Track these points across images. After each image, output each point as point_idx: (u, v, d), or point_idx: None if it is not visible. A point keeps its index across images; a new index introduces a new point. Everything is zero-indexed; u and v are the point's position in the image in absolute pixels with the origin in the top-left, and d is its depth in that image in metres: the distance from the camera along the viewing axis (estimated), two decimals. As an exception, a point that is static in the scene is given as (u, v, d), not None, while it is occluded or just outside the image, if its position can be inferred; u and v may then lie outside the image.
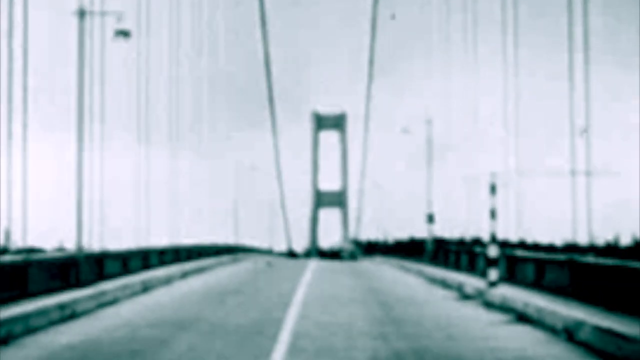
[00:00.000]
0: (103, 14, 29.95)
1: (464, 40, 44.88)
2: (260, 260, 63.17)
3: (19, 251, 29.72)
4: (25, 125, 27.85)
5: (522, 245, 32.40)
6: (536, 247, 30.42)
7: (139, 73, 42.70)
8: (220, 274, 41.77)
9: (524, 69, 35.19)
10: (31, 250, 38.78)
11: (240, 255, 66.83)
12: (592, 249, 26.07)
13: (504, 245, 29.35)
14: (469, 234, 41.58)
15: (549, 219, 33.95)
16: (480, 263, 36.06)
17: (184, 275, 37.94)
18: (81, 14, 28.70)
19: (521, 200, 33.12)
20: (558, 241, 28.35)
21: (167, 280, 33.79)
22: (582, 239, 28.02)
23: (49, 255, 25.17)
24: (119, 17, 30.51)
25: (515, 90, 35.24)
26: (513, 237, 31.97)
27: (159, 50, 47.27)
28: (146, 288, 29.74)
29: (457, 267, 43.58)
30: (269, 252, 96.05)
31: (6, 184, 27.74)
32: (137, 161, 43.17)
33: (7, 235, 29.29)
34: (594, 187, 28.95)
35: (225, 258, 57.34)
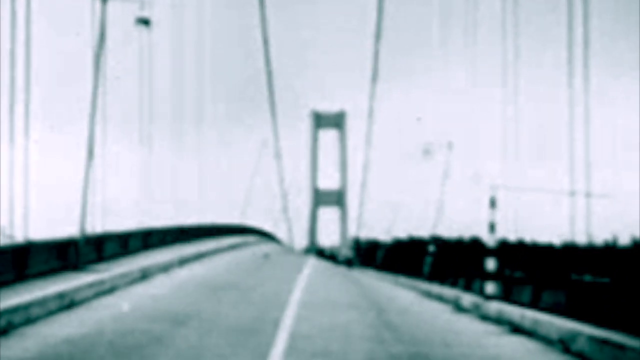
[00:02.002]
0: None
1: (465, 47, 45.03)
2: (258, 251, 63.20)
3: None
4: (27, 117, 28.04)
5: (520, 245, 32.38)
6: (535, 247, 30.45)
7: (140, 69, 42.80)
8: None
9: (525, 75, 35.36)
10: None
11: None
12: (591, 249, 26.12)
13: (502, 247, 29.34)
14: (467, 234, 41.61)
15: (546, 217, 34.05)
16: (477, 283, 36.09)
17: (182, 262, 38.12)
18: None
19: (519, 201, 33.24)
20: (556, 240, 28.39)
21: (165, 268, 33.95)
22: (581, 238, 28.12)
23: (49, 237, 25.34)
24: (142, 5, 30.74)
25: (514, 80, 35.36)
26: (511, 237, 32.00)
27: (159, 47, 47.40)
28: (145, 276, 29.90)
29: (454, 285, 43.60)
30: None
31: (7, 179, 27.91)
32: (136, 161, 43.36)
33: (4, 232, 29.41)
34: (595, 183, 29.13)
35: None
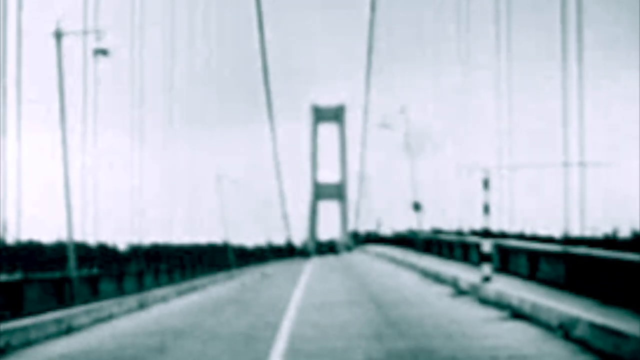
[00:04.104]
0: (83, 33, 30.03)
1: (457, 33, 44.97)
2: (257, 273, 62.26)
3: (16, 245, 29.71)
4: (19, 117, 28.08)
5: (520, 237, 32.40)
6: (534, 239, 30.51)
7: (132, 66, 42.57)
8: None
9: (517, 61, 35.27)
10: (29, 244, 38.67)
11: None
12: (591, 242, 26.16)
13: (502, 237, 29.46)
14: (466, 226, 41.75)
15: (545, 211, 34.06)
16: (474, 254, 36.21)
17: (180, 293, 37.69)
18: (58, 35, 28.66)
19: (516, 193, 33.24)
20: (556, 233, 28.46)
21: (163, 298, 33.60)
22: (579, 232, 28.21)
23: (43, 276, 25.15)
24: (100, 36, 30.60)
25: (508, 80, 35.31)
26: (510, 230, 32.06)
27: (152, 41, 47.15)
28: (142, 305, 29.60)
29: (451, 257, 43.78)
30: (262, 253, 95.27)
31: (2, 176, 27.97)
32: (132, 150, 43.15)
33: (4, 227, 29.35)
34: (592, 179, 29.09)
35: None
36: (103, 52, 30.84)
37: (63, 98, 28.73)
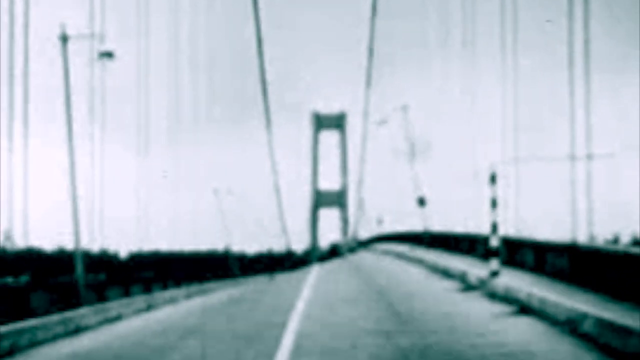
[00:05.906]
0: (85, 36, 30.31)
1: (462, 28, 44.90)
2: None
3: (18, 252, 29.75)
4: (26, 126, 28.22)
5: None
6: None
7: (138, 77, 42.66)
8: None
9: (522, 58, 35.20)
10: (30, 251, 38.76)
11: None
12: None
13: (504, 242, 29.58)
14: (472, 229, 41.81)
15: (548, 216, 34.02)
16: (480, 247, 36.21)
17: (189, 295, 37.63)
18: (64, 39, 28.97)
19: (520, 198, 33.17)
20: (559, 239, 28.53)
21: (172, 300, 33.56)
22: (582, 238, 28.15)
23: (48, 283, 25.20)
24: (102, 39, 30.94)
25: (514, 80, 35.28)
26: (514, 235, 32.06)
27: (154, 49, 47.24)
28: (150, 306, 29.60)
29: (457, 250, 43.88)
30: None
31: (7, 185, 28.10)
32: (137, 163, 43.24)
33: (8, 236, 29.43)
34: (593, 181, 28.99)
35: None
36: (108, 54, 31.13)
37: (69, 101, 28.93)
